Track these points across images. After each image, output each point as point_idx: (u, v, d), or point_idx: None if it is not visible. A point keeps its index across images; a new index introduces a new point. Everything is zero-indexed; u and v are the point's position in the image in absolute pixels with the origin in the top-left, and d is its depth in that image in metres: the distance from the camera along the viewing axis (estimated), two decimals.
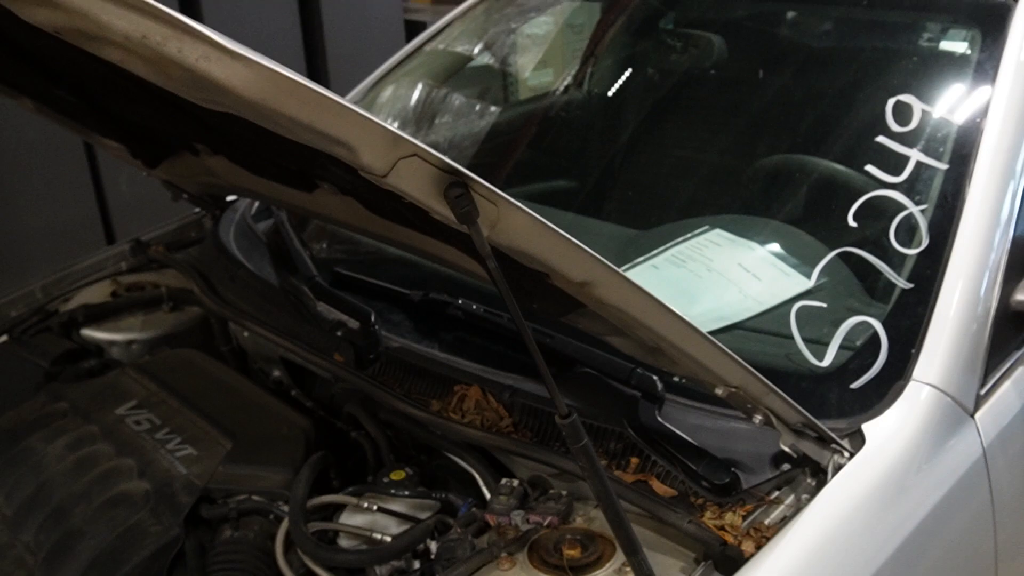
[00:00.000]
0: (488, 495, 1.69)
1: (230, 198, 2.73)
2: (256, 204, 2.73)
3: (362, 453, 1.89)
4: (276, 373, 2.26)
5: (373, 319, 2.03)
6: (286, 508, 1.66)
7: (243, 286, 2.42)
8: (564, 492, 1.60)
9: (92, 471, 1.76)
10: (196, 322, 2.47)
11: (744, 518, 1.45)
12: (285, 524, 1.61)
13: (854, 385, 1.62)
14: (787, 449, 1.51)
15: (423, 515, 1.68)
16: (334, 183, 1.58)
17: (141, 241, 2.72)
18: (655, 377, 1.64)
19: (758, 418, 1.45)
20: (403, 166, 0.99)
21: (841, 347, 1.69)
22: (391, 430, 1.88)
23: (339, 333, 2.04)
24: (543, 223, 1.07)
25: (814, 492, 1.48)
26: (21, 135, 4.29)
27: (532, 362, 1.25)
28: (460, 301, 1.96)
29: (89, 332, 2.38)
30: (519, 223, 1.08)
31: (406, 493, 1.67)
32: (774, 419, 1.42)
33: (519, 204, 1.07)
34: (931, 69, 2.14)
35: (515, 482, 1.65)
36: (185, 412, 1.91)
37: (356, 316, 2.09)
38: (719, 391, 1.38)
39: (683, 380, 1.67)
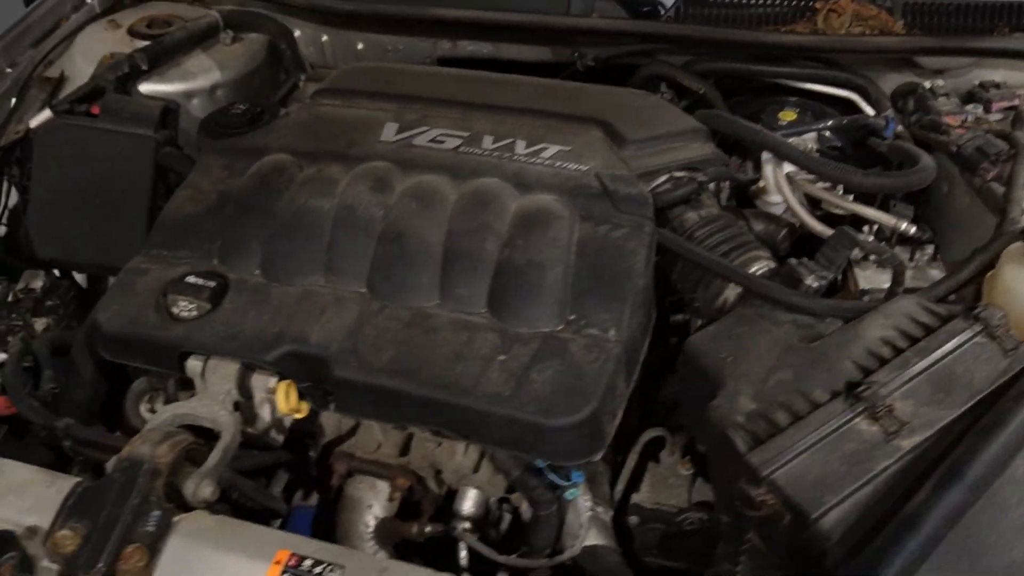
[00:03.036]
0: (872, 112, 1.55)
1: None
2: None
3: None
4: None
5: None
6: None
7: None
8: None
9: (443, 204, 1.30)
10: (268, 48, 1.86)
11: None
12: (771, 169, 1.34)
13: None
14: None
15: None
16: None
17: None
18: None
19: None
20: None
21: None
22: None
23: None
24: None
25: None
26: None
27: None
28: None
29: (153, 86, 1.70)
30: None
31: (828, 123, 1.46)
32: None
33: None
34: None
35: (940, 81, 1.51)
36: (481, 116, 1.45)
37: None
38: None
39: None
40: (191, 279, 1.30)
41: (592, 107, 1.46)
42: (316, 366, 1.20)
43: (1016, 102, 1.46)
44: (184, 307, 1.28)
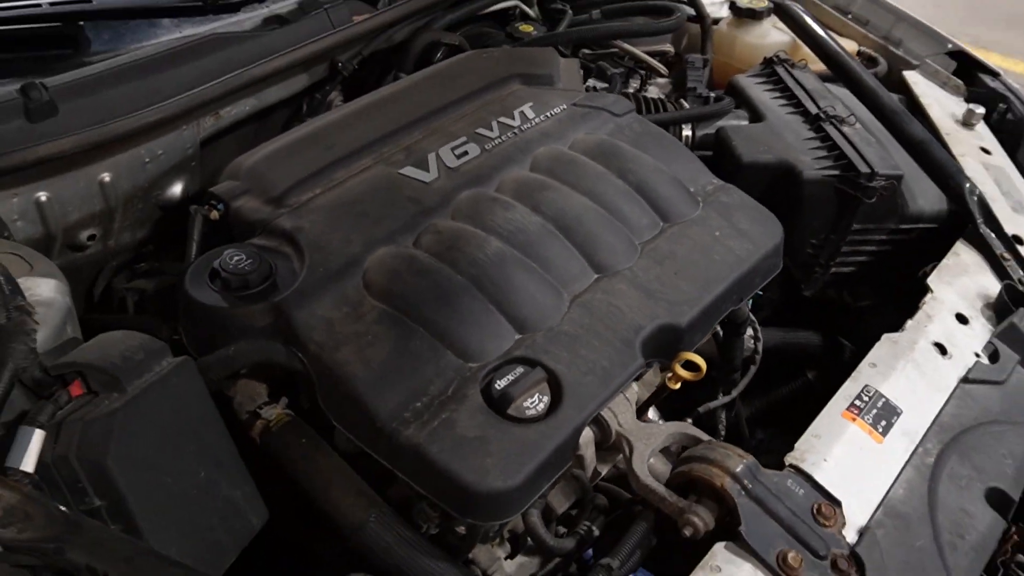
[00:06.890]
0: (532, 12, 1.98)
1: None
2: None
3: None
4: None
5: None
6: None
7: None
8: None
9: (552, 183, 1.36)
10: None
11: None
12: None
13: None
14: None
15: None
16: None
17: None
18: None
19: None
20: None
21: None
22: None
23: None
24: None
25: None
26: None
27: None
28: None
29: None
30: None
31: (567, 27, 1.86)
32: None
33: None
34: None
35: None
36: (438, 122, 1.43)
37: None
38: None
39: None
40: (502, 383, 1.14)
41: (487, 73, 1.57)
42: (668, 334, 1.26)
43: None
44: (533, 403, 1.14)
